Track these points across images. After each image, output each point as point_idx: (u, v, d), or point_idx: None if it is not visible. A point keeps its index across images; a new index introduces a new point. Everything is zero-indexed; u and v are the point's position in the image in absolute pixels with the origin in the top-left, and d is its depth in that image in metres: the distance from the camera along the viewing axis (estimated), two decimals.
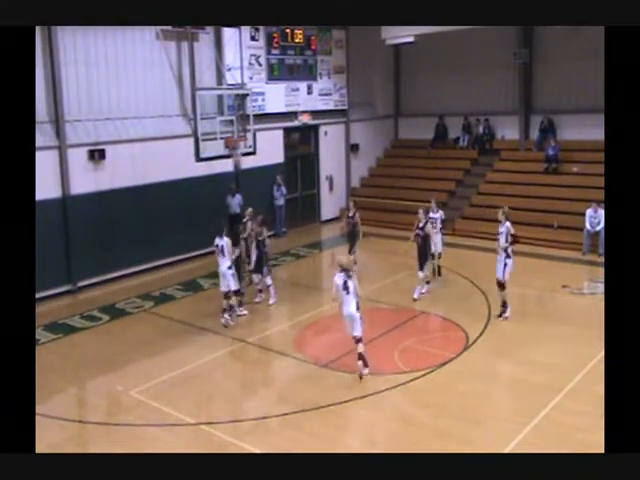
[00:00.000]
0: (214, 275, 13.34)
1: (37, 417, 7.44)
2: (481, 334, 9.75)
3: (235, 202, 15.00)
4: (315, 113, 17.90)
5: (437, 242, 12.25)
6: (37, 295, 11.00)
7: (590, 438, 6.39)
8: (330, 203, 18.91)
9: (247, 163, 14.94)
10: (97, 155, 12.58)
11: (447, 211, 17.44)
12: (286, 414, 7.52)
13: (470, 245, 15.42)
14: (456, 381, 8.31)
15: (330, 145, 18.72)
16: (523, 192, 16.37)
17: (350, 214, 13.12)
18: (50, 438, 7.16)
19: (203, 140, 12.85)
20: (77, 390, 8.83)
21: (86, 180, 12.49)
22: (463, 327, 9.97)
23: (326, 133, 18.56)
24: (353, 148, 19.42)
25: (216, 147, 12.95)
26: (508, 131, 18.60)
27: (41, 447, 6.88)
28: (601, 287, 10.91)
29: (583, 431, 6.74)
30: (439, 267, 12.63)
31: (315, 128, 18.23)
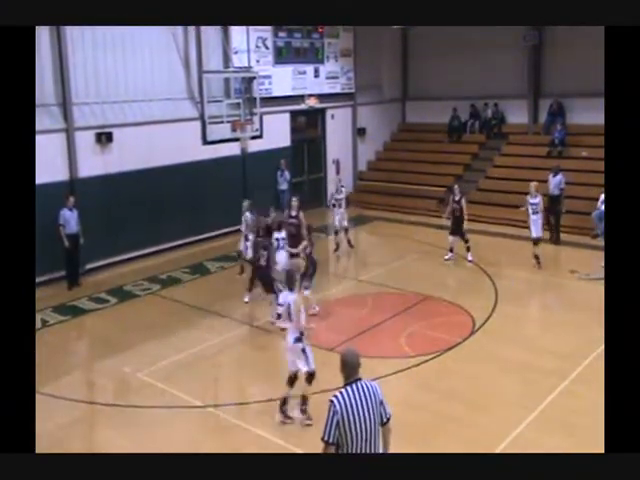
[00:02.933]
0: (221, 259, 13.42)
1: (46, 397, 7.60)
2: (488, 319, 9.75)
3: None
4: (322, 96, 17.77)
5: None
6: (46, 277, 11.07)
7: (596, 425, 6.39)
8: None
9: (254, 146, 14.90)
10: (104, 138, 12.57)
11: None
12: (292, 397, 7.56)
13: (478, 229, 15.34)
14: (462, 366, 8.33)
15: (337, 129, 18.61)
16: (531, 176, 16.18)
17: (457, 198, 12.76)
18: (59, 418, 7.27)
19: (210, 123, 12.81)
20: (85, 371, 8.94)
21: (93, 163, 12.50)
22: (470, 311, 9.97)
23: (333, 117, 18.44)
24: (360, 132, 19.30)
25: (223, 130, 12.91)
26: (517, 115, 18.42)
27: (49, 427, 7.01)
28: None
29: (589, 417, 6.74)
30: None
31: (322, 112, 18.11)
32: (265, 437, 6.75)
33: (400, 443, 6.57)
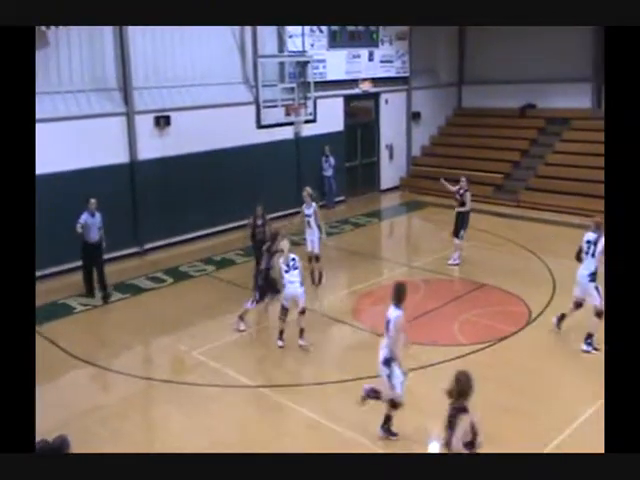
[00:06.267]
0: None
1: (108, 372, 7.96)
2: (544, 309, 9.47)
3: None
4: (376, 80, 17.56)
5: None
6: (108, 255, 11.27)
7: None
8: (390, 172, 18.66)
9: (307, 131, 14.91)
10: (162, 121, 12.87)
11: (511, 182, 17.04)
12: (343, 381, 7.61)
13: (535, 217, 14.92)
14: (517, 356, 8.14)
15: (391, 113, 18.36)
16: (593, 163, 15.58)
17: (460, 192, 11.56)
18: (119, 392, 7.60)
19: (264, 107, 12.89)
20: (144, 348, 9.26)
21: (152, 146, 12.83)
22: (526, 301, 9.71)
23: (387, 101, 18.20)
24: (414, 116, 18.99)
25: (277, 114, 12.97)
26: (580, 99, 17.65)
27: (111, 400, 7.38)
28: None
29: None
30: None
31: (376, 96, 17.92)
32: (315, 418, 6.81)
33: None
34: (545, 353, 8.18)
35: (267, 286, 9.02)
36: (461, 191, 11.64)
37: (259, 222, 10.63)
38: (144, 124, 12.69)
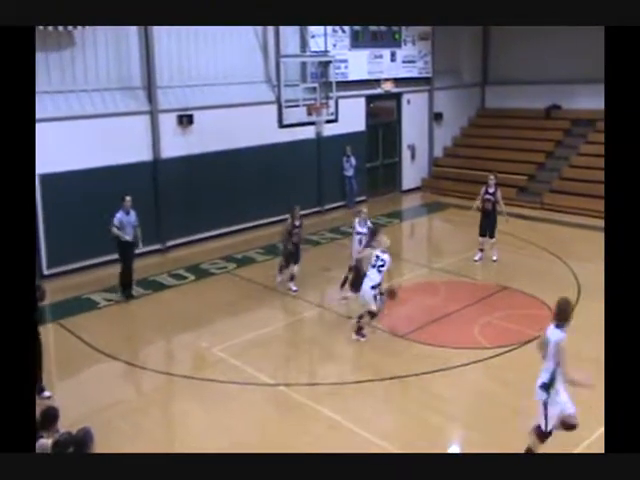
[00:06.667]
0: None
1: (130, 367, 8.04)
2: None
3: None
4: (398, 81, 17.48)
5: None
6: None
7: None
8: (411, 173, 18.56)
9: (328, 130, 14.90)
10: (185, 120, 12.96)
11: (535, 184, 16.82)
12: (363, 381, 7.58)
13: (559, 220, 14.72)
14: (539, 361, 8.00)
15: (413, 113, 18.27)
16: None
17: (491, 190, 11.70)
18: (143, 387, 7.67)
19: (286, 107, 12.90)
20: (165, 344, 9.33)
21: (175, 144, 12.93)
22: (549, 305, 9.54)
23: (409, 101, 18.11)
24: (437, 117, 18.87)
25: (298, 114, 12.97)
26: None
27: (130, 394, 7.44)
28: None
29: None
30: None
31: (398, 96, 17.84)
32: (336, 419, 6.79)
33: (470, 434, 6.47)
34: (568, 357, 8.02)
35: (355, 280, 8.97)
36: (490, 190, 11.61)
37: (297, 223, 10.43)
38: (167, 123, 12.80)
